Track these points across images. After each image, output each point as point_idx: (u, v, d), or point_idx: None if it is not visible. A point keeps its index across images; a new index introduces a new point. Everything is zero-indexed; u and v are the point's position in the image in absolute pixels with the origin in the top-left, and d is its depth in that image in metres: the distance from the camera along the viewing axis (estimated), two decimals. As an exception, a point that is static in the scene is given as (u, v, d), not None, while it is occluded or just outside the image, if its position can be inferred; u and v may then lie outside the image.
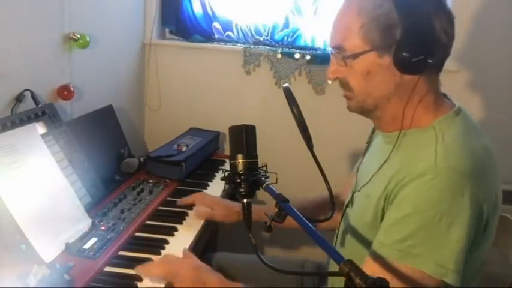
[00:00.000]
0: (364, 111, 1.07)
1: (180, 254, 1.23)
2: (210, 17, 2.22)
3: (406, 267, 0.90)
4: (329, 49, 1.10)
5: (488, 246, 1.02)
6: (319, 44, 2.11)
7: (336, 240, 1.19)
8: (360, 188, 1.12)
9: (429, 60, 0.95)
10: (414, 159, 0.95)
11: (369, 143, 1.24)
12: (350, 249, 1.11)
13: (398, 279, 0.89)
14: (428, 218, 0.89)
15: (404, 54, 0.95)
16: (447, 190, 0.89)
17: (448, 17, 1.00)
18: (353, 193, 1.16)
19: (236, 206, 1.45)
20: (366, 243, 1.03)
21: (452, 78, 1.93)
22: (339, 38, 1.02)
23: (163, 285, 1.12)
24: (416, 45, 0.95)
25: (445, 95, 1.09)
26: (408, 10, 0.96)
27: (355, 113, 1.09)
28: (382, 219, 0.99)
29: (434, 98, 1.03)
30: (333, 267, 1.16)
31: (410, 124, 1.02)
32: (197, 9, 2.22)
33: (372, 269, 0.92)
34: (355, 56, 0.99)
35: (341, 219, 1.20)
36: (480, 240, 0.96)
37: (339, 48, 1.02)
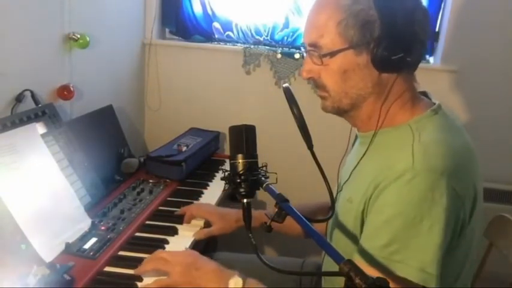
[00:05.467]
0: (340, 111, 1.05)
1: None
2: (210, 17, 2.22)
3: (390, 275, 0.88)
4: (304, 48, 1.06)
5: (471, 246, 1.00)
6: (319, 44, 2.11)
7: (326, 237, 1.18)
8: (342, 185, 1.11)
9: (408, 58, 0.94)
10: (391, 161, 0.93)
11: (353, 145, 1.23)
12: (336, 244, 1.09)
13: None
14: (409, 220, 0.88)
15: (383, 52, 0.93)
16: (426, 191, 0.87)
17: (425, 13, 0.98)
18: (337, 193, 1.14)
19: (232, 214, 1.41)
20: (352, 238, 1.02)
21: (452, 78, 1.96)
22: (314, 35, 0.99)
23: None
24: (395, 42, 0.93)
25: (425, 93, 1.08)
26: (387, 6, 0.93)
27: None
28: (363, 222, 0.98)
29: (411, 96, 1.02)
30: (327, 265, 1.16)
31: (385, 122, 1.01)
32: (197, 9, 2.22)
33: None
34: (332, 54, 0.97)
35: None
36: (458, 240, 0.94)
37: (314, 46, 0.99)
